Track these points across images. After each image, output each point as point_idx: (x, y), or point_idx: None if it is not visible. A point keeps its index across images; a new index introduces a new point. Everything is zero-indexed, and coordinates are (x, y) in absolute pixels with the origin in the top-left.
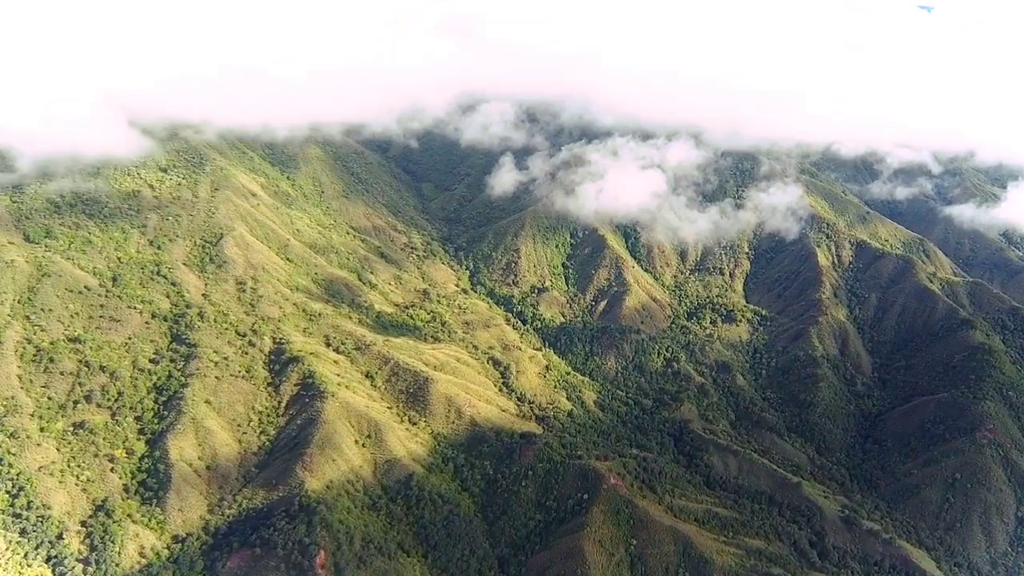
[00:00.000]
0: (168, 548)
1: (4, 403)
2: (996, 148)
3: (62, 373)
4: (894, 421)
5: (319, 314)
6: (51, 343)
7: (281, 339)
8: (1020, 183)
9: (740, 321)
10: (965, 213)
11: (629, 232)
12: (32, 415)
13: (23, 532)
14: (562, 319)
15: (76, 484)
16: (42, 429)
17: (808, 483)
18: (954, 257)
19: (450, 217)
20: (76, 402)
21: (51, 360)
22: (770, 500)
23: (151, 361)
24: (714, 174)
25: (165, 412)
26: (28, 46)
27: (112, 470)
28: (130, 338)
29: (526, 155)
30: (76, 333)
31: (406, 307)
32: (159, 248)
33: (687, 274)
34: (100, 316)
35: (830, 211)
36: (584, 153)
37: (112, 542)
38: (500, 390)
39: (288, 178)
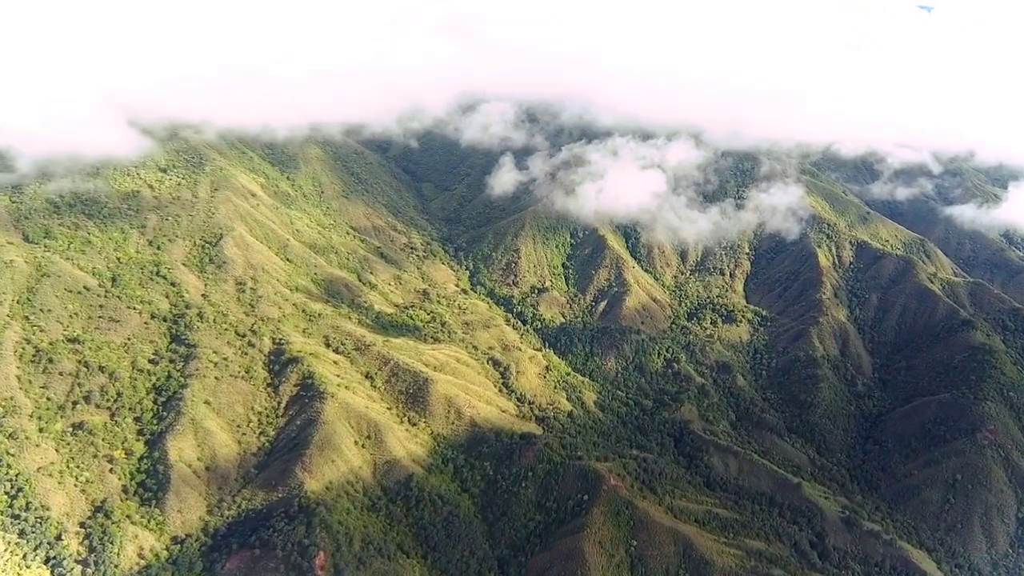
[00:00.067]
0: (167, 549)
1: (3, 404)
2: (996, 148)
3: (61, 374)
4: (895, 422)
5: (319, 314)
6: (50, 343)
7: (281, 339)
8: (1021, 183)
9: (740, 322)
10: (966, 213)
11: (629, 232)
12: (31, 416)
13: (22, 533)
14: (562, 319)
15: (75, 485)
16: (41, 430)
17: (808, 484)
18: (955, 257)
19: (450, 217)
20: (75, 403)
21: (50, 361)
22: (770, 501)
23: (150, 362)
24: (714, 174)
25: (164, 413)
26: (28, 46)
27: (111, 471)
28: (129, 338)
29: (526, 155)
30: (75, 333)
31: (406, 307)
32: (158, 248)
33: (687, 274)
34: (99, 316)
35: (830, 211)
36: (584, 153)
37: (111, 543)
38: (500, 391)
39: (288, 178)
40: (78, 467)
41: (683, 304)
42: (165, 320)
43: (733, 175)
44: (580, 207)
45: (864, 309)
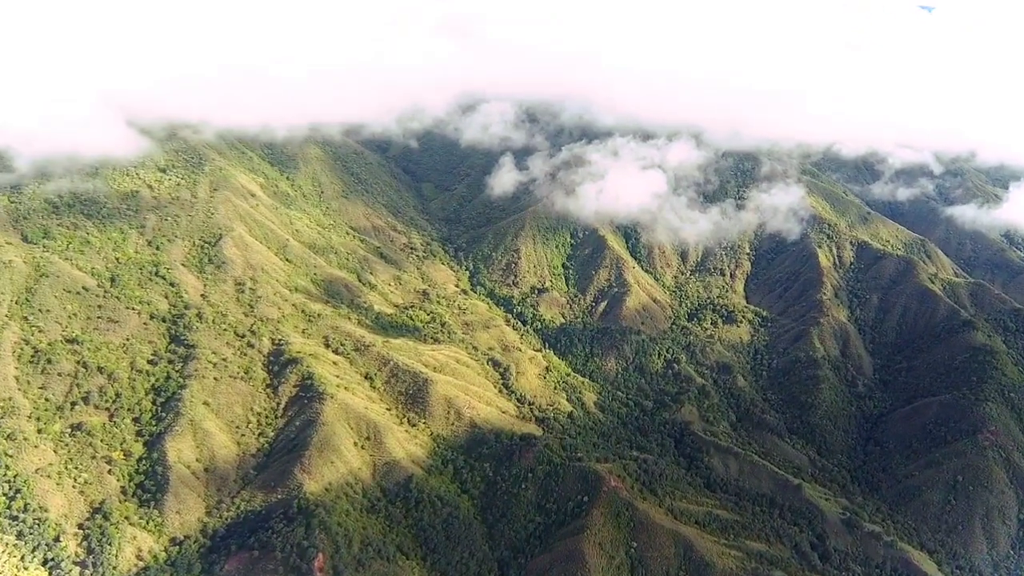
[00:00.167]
0: (166, 551)
1: (1, 404)
2: (997, 148)
3: (60, 374)
4: (895, 423)
5: (318, 315)
6: (49, 344)
7: (280, 340)
8: (1021, 183)
9: (741, 322)
10: (967, 214)
11: (629, 232)
12: (29, 416)
13: (20, 535)
14: (562, 320)
15: (73, 486)
16: (39, 431)
17: (809, 485)
18: (955, 258)
19: (450, 217)
20: (74, 403)
21: (49, 361)
22: (771, 502)
23: (149, 362)
24: (715, 174)
25: (163, 414)
26: (27, 46)
27: (110, 472)
28: (128, 339)
29: (526, 155)
30: (74, 334)
31: (406, 308)
32: (158, 248)
33: (688, 275)
34: (98, 317)
35: (831, 212)
36: (584, 153)
37: (109, 545)
38: (500, 391)
39: (287, 178)
40: (76, 468)
41: (683, 304)
42: (164, 321)
43: (734, 175)
44: (580, 207)
45: (865, 310)
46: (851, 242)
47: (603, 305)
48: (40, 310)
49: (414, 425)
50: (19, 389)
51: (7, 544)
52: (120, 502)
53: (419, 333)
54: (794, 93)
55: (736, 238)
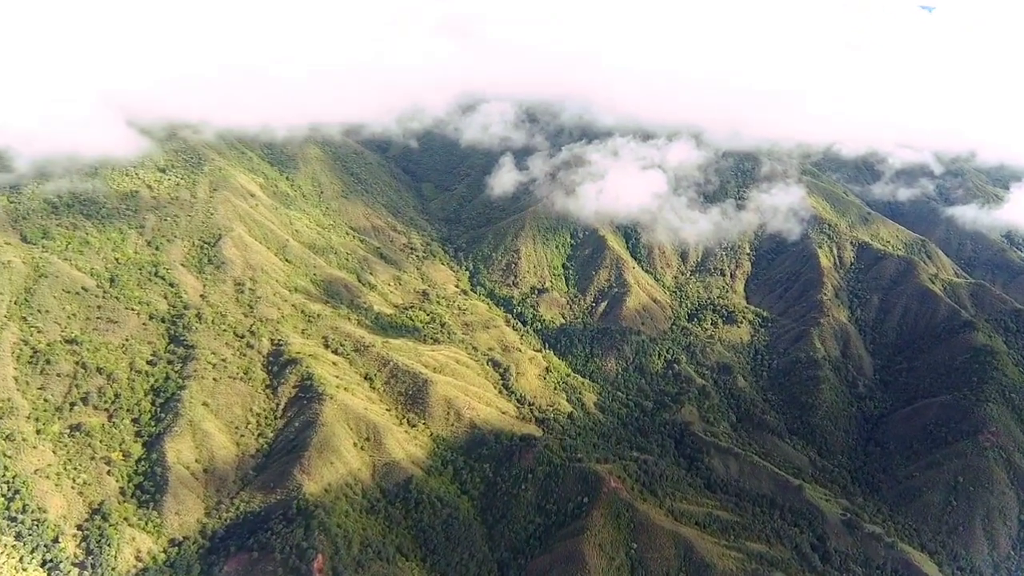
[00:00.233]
0: (165, 552)
1: (0, 405)
2: (997, 148)
3: (59, 375)
4: (896, 423)
5: (318, 315)
6: (48, 344)
7: (279, 340)
8: (1022, 184)
9: (741, 322)
10: (967, 214)
11: (630, 233)
12: (28, 417)
13: (19, 536)
14: (562, 320)
15: (72, 487)
16: (38, 431)
17: (810, 486)
18: (956, 258)
19: (450, 217)
20: (73, 404)
21: (48, 362)
22: (771, 503)
23: (148, 363)
24: (715, 174)
25: (162, 414)
26: (26, 46)
27: (109, 473)
28: (127, 339)
29: (526, 155)
30: (73, 334)
31: (405, 308)
32: (157, 249)
33: (688, 275)
34: (97, 317)
35: (831, 212)
36: (584, 153)
37: (108, 546)
38: (500, 392)
39: (287, 178)
40: (75, 469)
41: (684, 305)
42: (163, 321)
43: (734, 175)
44: (580, 207)
45: (865, 310)
46: (851, 242)
47: (603, 305)
48: (39, 310)
49: (414, 426)
50: (18, 390)
51: (6, 545)
52: (119, 503)
53: (419, 333)
54: (794, 93)
55: (736, 238)
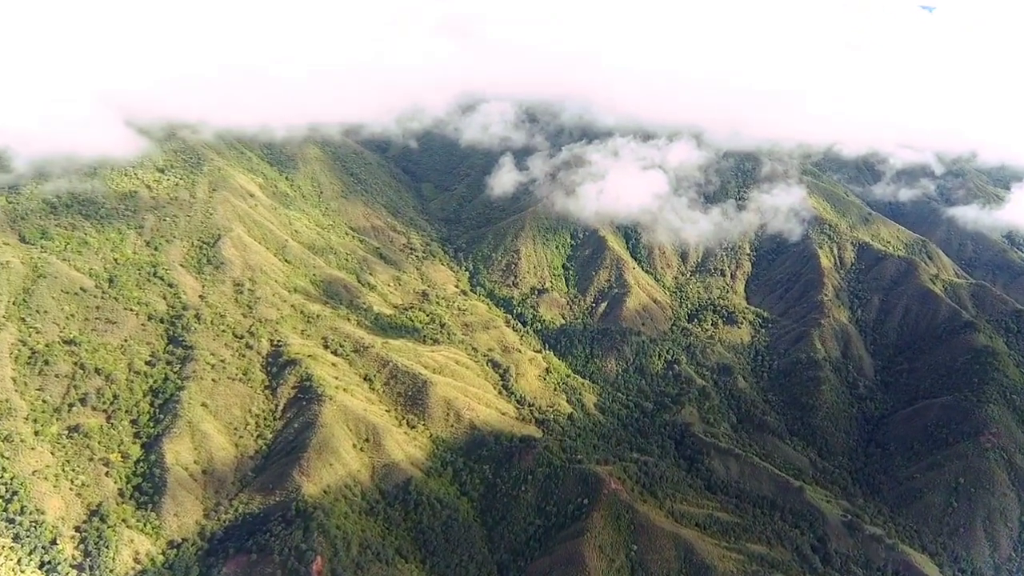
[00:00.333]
0: (163, 554)
1: None
2: (998, 149)
3: (57, 376)
4: (897, 424)
5: (317, 316)
6: (46, 345)
7: (279, 341)
8: (1023, 184)
9: (741, 323)
10: (968, 214)
11: (630, 233)
12: (26, 418)
13: (16, 537)
14: (562, 321)
15: (70, 489)
16: (36, 433)
17: (810, 487)
18: (957, 259)
19: (449, 218)
20: (71, 405)
21: (46, 362)
22: (772, 504)
23: (147, 363)
24: (715, 175)
25: (161, 415)
26: (25, 46)
27: (107, 474)
28: (126, 340)
29: (526, 155)
30: (71, 335)
31: (405, 309)
32: (156, 249)
33: (688, 275)
34: (96, 318)
35: (832, 212)
36: (584, 153)
37: (106, 548)
38: (500, 393)
39: (286, 178)
40: (73, 470)
41: (684, 305)
42: (162, 322)
43: (734, 176)
44: (580, 208)
45: (866, 311)
46: (852, 243)
47: (603, 306)
48: (37, 311)
49: (413, 427)
50: (16, 391)
51: (3, 547)
52: (117, 504)
53: (418, 334)
54: (794, 93)
55: (737, 239)
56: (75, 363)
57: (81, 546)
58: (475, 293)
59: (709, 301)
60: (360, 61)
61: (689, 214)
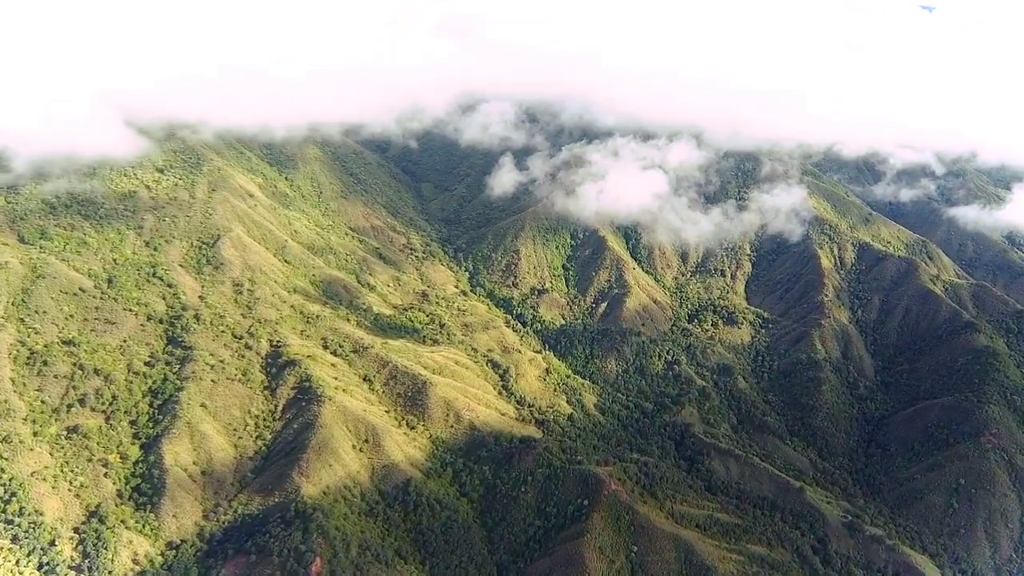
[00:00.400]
0: (162, 555)
1: None
2: (998, 149)
3: (56, 376)
4: (897, 425)
5: (317, 316)
6: (45, 346)
7: (278, 342)
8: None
9: (742, 323)
10: (969, 215)
11: (630, 233)
12: (25, 419)
13: (15, 539)
14: (562, 321)
15: (69, 490)
16: (35, 433)
17: (811, 488)
18: (957, 259)
19: (449, 218)
20: (70, 406)
21: (45, 363)
22: (772, 505)
23: (146, 364)
24: (716, 175)
25: (160, 416)
26: (24, 46)
27: (106, 475)
28: (125, 341)
29: (526, 155)
30: (70, 335)
31: (405, 309)
32: (155, 249)
33: (688, 276)
34: (95, 318)
35: (832, 213)
36: (584, 153)
37: (105, 549)
38: (499, 393)
39: (286, 178)
40: (72, 471)
41: (684, 306)
42: (161, 322)
43: (735, 176)
44: (580, 208)
45: (866, 311)
46: (852, 243)
47: (603, 306)
48: (36, 311)
49: (413, 428)
50: (15, 391)
51: (2, 548)
52: (116, 506)
53: (418, 334)
54: (794, 93)
55: (737, 239)
56: (74, 364)
57: (80, 547)
58: (475, 293)
59: (709, 301)
60: (360, 61)
61: (689, 214)
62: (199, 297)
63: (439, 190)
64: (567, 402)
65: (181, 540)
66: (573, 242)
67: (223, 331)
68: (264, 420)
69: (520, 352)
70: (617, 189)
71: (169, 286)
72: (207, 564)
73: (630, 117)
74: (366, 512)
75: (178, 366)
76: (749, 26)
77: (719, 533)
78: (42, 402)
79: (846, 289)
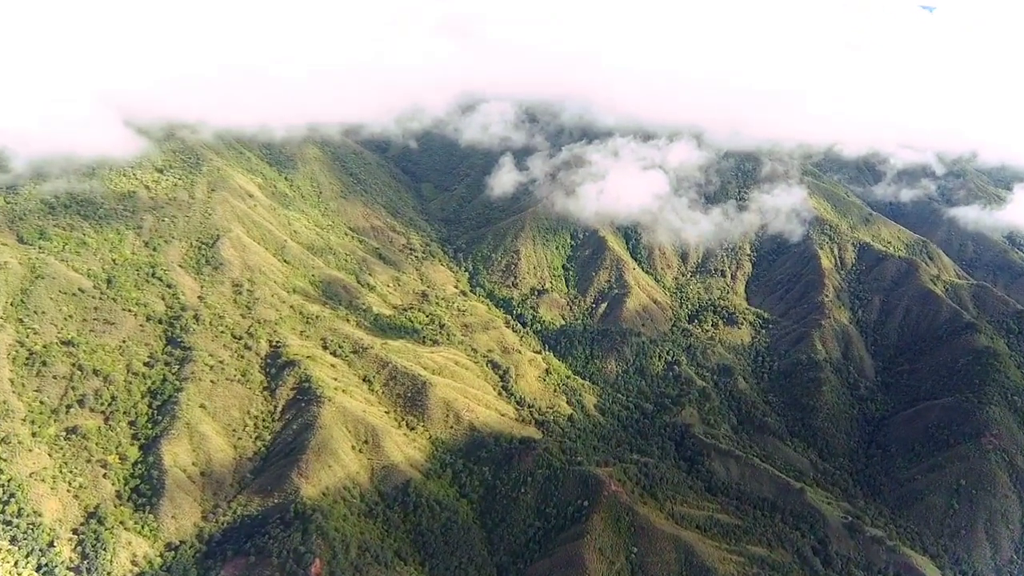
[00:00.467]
0: (161, 556)
1: None
2: (999, 149)
3: (55, 377)
4: (898, 426)
5: (316, 316)
6: (44, 346)
7: (278, 342)
8: None
9: (742, 324)
10: (969, 215)
11: (630, 233)
12: (24, 420)
13: (13, 540)
14: (562, 321)
15: (68, 490)
16: (34, 434)
17: (811, 489)
18: (957, 259)
19: (449, 218)
20: (69, 406)
21: (44, 363)
22: (772, 506)
23: (145, 365)
24: (716, 175)
25: (159, 417)
26: (23, 45)
27: (105, 476)
28: (124, 341)
29: (526, 155)
30: (69, 336)
31: (404, 309)
32: (154, 250)
33: (688, 276)
34: (94, 319)
35: (833, 213)
36: (585, 153)
37: (104, 550)
38: (499, 394)
39: (286, 178)
40: (71, 472)
41: (684, 306)
42: (161, 322)
43: (735, 176)
44: (580, 208)
45: (866, 311)
46: (853, 243)
47: (603, 306)
48: (35, 312)
49: (412, 428)
50: (14, 392)
51: (0, 549)
52: (115, 507)
53: (418, 335)
54: (795, 93)
55: (737, 239)
56: (73, 364)
57: (78, 548)
58: (475, 294)
59: (709, 302)
60: (360, 61)
61: (689, 214)
62: (198, 297)
63: (439, 190)
64: (567, 403)
65: (180, 541)
66: (573, 242)
67: (222, 331)
68: (263, 421)
69: (520, 352)
70: (617, 189)
71: (168, 286)
72: (206, 565)
73: (630, 117)
74: (365, 513)
75: (177, 367)
76: (749, 26)
77: (719, 534)
78: (41, 403)
79: (846, 289)
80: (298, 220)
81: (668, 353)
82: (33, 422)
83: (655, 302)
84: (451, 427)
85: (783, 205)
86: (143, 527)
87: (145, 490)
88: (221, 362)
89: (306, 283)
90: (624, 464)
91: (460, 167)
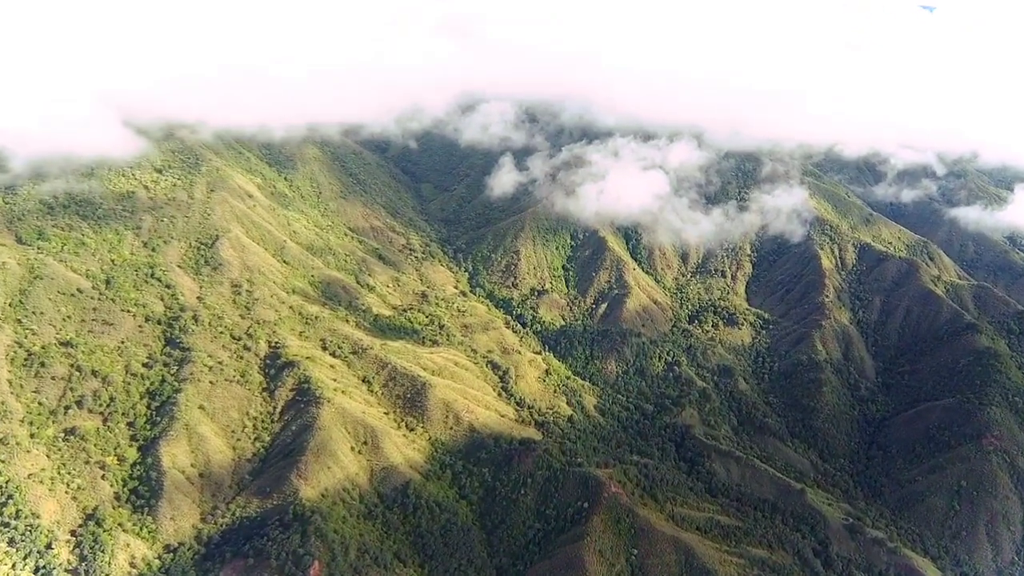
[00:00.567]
0: (159, 558)
1: None
2: (1000, 149)
3: (53, 378)
4: (899, 427)
5: (315, 317)
6: (42, 347)
7: (277, 343)
8: None
9: (742, 324)
10: (970, 215)
11: (630, 234)
12: (22, 421)
13: (11, 541)
14: (562, 322)
15: (66, 492)
16: (32, 435)
17: (812, 490)
18: (958, 260)
19: (449, 218)
20: (67, 408)
21: (42, 364)
22: (773, 508)
23: (144, 365)
24: (716, 175)
25: (158, 418)
26: (23, 45)
27: (103, 477)
28: (123, 342)
29: (526, 155)
30: (68, 337)
31: (404, 310)
32: (153, 250)
33: (689, 276)
34: (93, 319)
35: (833, 213)
36: (585, 154)
37: (102, 552)
38: (499, 395)
39: (285, 179)
40: (69, 474)
41: (684, 306)
42: (159, 323)
43: (735, 176)
44: (581, 208)
45: (867, 312)
46: (853, 244)
47: (603, 307)
48: (34, 312)
49: (412, 429)
50: (12, 393)
51: None
52: (113, 508)
53: (418, 335)
54: (795, 93)
55: (738, 240)
56: (71, 365)
57: (76, 550)
58: (474, 294)
59: (710, 302)
60: (360, 61)
61: (690, 215)
62: (197, 298)
63: (439, 190)
64: (567, 403)
65: (178, 543)
66: (573, 243)
67: (221, 332)
68: (262, 422)
69: (520, 353)
70: (617, 189)
71: (167, 287)
72: (204, 567)
73: (630, 117)
74: (365, 515)
75: (176, 367)
76: (749, 26)
77: (720, 535)
78: (39, 404)
79: (847, 290)
80: (297, 220)
81: (668, 354)
82: (31, 423)
83: (655, 302)
84: (451, 428)
85: (784, 205)
86: (141, 529)
87: (143, 492)
88: (220, 363)
89: (305, 284)
90: (624, 465)
91: (460, 167)
